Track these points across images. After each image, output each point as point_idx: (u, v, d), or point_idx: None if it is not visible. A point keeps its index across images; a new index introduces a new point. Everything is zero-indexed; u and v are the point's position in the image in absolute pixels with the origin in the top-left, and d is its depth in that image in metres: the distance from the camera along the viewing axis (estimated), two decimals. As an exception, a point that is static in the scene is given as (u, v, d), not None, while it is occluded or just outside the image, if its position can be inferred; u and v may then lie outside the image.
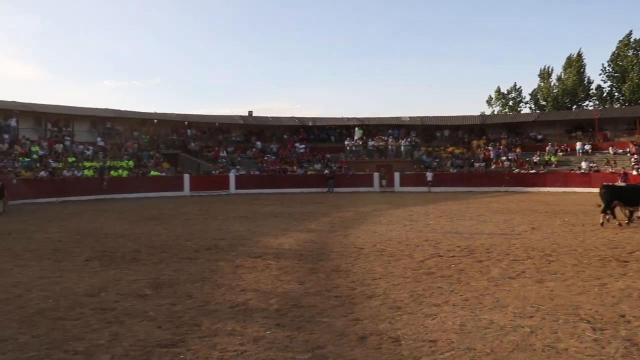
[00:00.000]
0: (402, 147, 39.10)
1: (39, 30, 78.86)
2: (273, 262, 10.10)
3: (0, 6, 75.38)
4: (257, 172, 36.13)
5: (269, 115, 43.70)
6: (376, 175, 35.84)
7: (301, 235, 13.82)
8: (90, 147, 34.85)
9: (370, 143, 39.32)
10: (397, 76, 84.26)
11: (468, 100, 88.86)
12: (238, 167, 36.28)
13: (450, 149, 39.34)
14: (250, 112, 42.84)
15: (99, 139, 36.10)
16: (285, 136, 42.11)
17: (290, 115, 43.52)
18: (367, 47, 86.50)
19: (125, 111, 38.60)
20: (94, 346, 5.52)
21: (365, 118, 42.49)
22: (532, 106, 51.74)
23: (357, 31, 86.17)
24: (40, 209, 22.26)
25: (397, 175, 35.67)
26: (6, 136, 31.85)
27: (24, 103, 34.28)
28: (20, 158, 30.08)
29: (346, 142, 39.93)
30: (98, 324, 6.27)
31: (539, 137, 39.38)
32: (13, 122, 32.81)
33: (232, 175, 34.51)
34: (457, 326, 6.06)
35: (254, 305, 7.00)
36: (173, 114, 40.39)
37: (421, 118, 41.94)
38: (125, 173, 32.23)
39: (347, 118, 42.67)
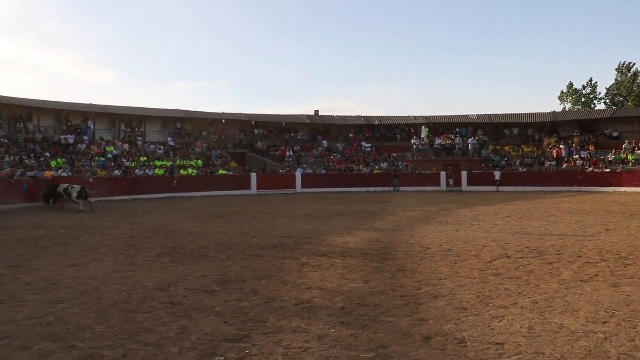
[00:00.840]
0: (469, 145, 38.43)
1: (114, 36, 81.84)
2: (339, 260, 10.13)
3: (78, 15, 78.63)
4: (323, 171, 36.27)
5: (335, 115, 43.88)
6: (443, 174, 35.36)
7: (367, 234, 13.80)
8: (162, 147, 35.93)
9: (437, 142, 38.84)
10: (465, 74, 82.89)
11: (538, 97, 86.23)
12: (304, 166, 36.55)
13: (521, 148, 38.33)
14: (316, 112, 43.10)
15: (169, 139, 37.18)
16: (351, 135, 42.11)
17: (356, 115, 43.48)
18: (434, 45, 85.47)
19: (195, 112, 39.56)
20: (163, 339, 5.69)
21: (432, 116, 41.90)
22: (608, 102, 49.78)
23: (424, 29, 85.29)
24: (115, 207, 23.09)
25: (464, 174, 35.08)
26: (85, 138, 33.31)
27: (100, 105, 35.85)
28: (97, 158, 31.35)
29: (413, 141, 39.58)
30: (168, 317, 6.46)
31: (615, 134, 37.66)
32: (91, 125, 34.26)
33: (298, 174, 34.79)
34: (526, 329, 5.90)
35: (319, 303, 7.04)
36: (241, 114, 41.06)
37: (489, 116, 41.03)
38: (194, 172, 33.02)
39: (414, 117, 42.22)
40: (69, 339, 5.69)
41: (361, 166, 37.04)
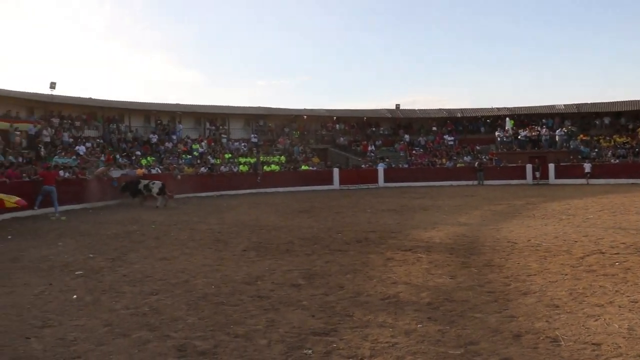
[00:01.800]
0: (556, 136, 37.02)
1: (197, 38, 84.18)
2: (424, 255, 10.03)
3: (164, 18, 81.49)
4: (405, 165, 36.00)
5: (416, 108, 43.38)
6: (529, 166, 34.25)
7: (452, 229, 13.58)
8: (245, 144, 36.72)
9: (522, 133, 37.66)
10: (550, 62, 79.78)
11: (632, 84, 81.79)
12: (386, 160, 36.38)
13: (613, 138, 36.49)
14: (397, 105, 42.84)
15: (252, 135, 37.91)
16: (433, 128, 41.53)
17: (438, 107, 42.82)
18: (516, 34, 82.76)
19: (277, 108, 40.14)
20: (252, 331, 5.81)
21: (517, 107, 40.56)
22: None
23: (505, 17, 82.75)
24: (201, 202, 23.77)
25: (551, 166, 33.80)
26: (174, 137, 34.59)
27: (185, 105, 37.11)
28: (183, 155, 32.45)
29: (497, 133, 38.57)
30: (256, 310, 6.60)
31: None
32: (179, 125, 35.53)
33: (380, 169, 34.67)
34: (625, 330, 5.58)
35: (405, 298, 7.00)
36: (322, 109, 41.35)
37: (577, 105, 39.30)
38: (277, 168, 33.54)
39: (497, 108, 41.08)
40: (164, 329, 5.92)
41: (444, 160, 36.52)
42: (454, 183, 33.63)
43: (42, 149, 26.51)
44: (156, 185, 21.78)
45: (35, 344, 5.54)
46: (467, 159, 36.56)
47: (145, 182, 22.39)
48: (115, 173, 25.37)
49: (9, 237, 13.58)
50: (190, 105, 37.38)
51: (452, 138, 39.89)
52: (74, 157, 26.91)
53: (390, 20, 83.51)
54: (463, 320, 6.00)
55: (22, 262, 10.14)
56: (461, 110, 42.22)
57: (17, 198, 14.98)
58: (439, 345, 5.26)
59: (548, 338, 5.39)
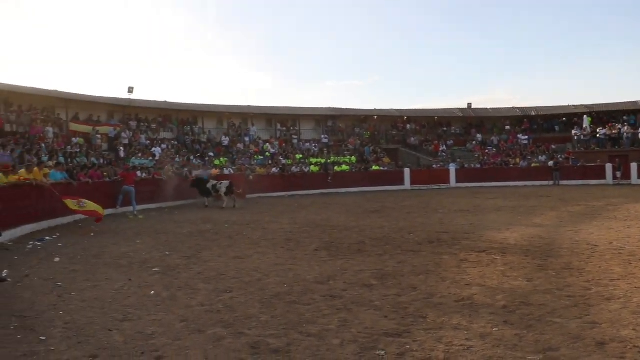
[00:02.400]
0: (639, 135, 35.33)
1: (268, 41, 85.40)
2: (498, 257, 9.76)
3: (236, 23, 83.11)
4: (477, 165, 35.30)
5: (488, 107, 42.43)
6: (609, 166, 32.85)
7: (527, 230, 13.17)
8: (316, 144, 36.95)
9: (601, 131, 36.10)
10: (631, 55, 76.30)
11: None
12: (458, 160, 35.78)
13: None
14: (469, 105, 41.99)
15: (323, 136, 38.10)
16: (506, 127, 40.51)
17: (510, 106, 41.68)
18: (593, 25, 79.61)
19: (347, 109, 40.21)
20: (325, 330, 5.80)
21: (595, 104, 38.92)
22: None
23: (580, 10, 79.72)
24: (273, 202, 24.05)
25: (634, 166, 32.26)
26: (247, 139, 35.24)
27: (257, 106, 37.74)
28: (255, 156, 32.98)
29: (573, 132, 37.14)
30: (328, 309, 6.59)
31: None
32: (252, 128, 36.15)
33: (452, 169, 34.13)
34: None
35: (480, 301, 6.82)
36: (392, 109, 41.12)
37: (664, 101, 37.41)
38: (348, 168, 33.56)
39: (574, 105, 39.56)
40: (238, 326, 6.00)
41: (517, 159, 35.55)
42: (528, 183, 32.70)
43: (121, 151, 27.53)
44: (223, 185, 22.06)
45: (116, 336, 5.74)
46: (542, 158, 35.45)
47: (213, 182, 22.73)
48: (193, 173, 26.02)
49: (92, 234, 14.16)
50: (261, 107, 38.03)
51: (526, 137, 38.76)
52: (150, 158, 27.82)
53: (461, 18, 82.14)
54: (541, 325, 5.78)
55: (103, 259, 10.55)
56: (535, 108, 40.93)
57: (95, 209, 15.42)
58: (516, 350, 5.09)
59: (636, 347, 5.07)
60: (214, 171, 26.71)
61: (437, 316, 6.20)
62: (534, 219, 15.54)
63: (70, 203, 14.93)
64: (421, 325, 5.90)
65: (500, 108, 42.09)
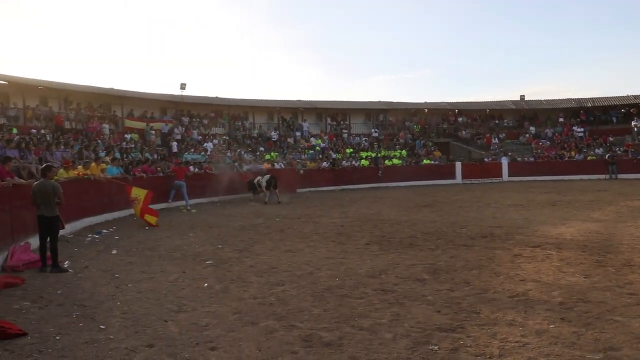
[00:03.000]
0: None
1: (317, 36, 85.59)
2: (554, 252, 9.53)
3: (286, 19, 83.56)
4: (531, 159, 34.55)
5: (542, 99, 41.35)
6: (672, 159, 31.62)
7: (584, 225, 12.81)
8: (366, 138, 36.84)
9: (663, 122, 34.80)
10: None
11: None
12: (510, 153, 35.09)
13: None
14: (522, 96, 41.05)
15: (373, 130, 37.93)
16: (561, 120, 39.40)
17: (565, 97, 40.51)
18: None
19: (397, 102, 39.93)
20: (377, 324, 5.79)
21: (656, 94, 37.50)
22: None
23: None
24: (324, 196, 24.13)
25: (698, 158, 30.98)
26: (298, 134, 35.45)
27: (307, 101, 37.84)
28: (306, 151, 33.11)
29: (633, 123, 35.77)
30: (380, 303, 6.57)
31: None
32: (304, 124, 36.32)
33: (504, 162, 33.48)
34: None
35: (535, 297, 6.67)
36: (443, 102, 40.64)
37: None
38: (398, 162, 33.35)
39: (633, 96, 38.11)
40: (290, 319, 6.05)
41: (573, 152, 34.58)
42: (584, 177, 31.69)
43: (174, 146, 28.06)
44: (264, 180, 21.86)
45: (172, 327, 5.88)
46: (599, 151, 34.37)
47: (258, 177, 22.58)
48: (243, 167, 26.34)
49: (146, 227, 14.50)
50: (311, 101, 38.12)
51: (582, 129, 37.61)
52: (203, 153, 28.26)
53: (512, 9, 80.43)
54: (601, 323, 5.60)
55: (158, 251, 10.80)
56: (591, 99, 39.65)
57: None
58: (574, 348, 4.95)
59: None
60: (265, 165, 26.89)
61: (491, 312, 6.11)
62: (591, 214, 15.10)
63: (137, 191, 15.28)
64: (475, 320, 5.82)
65: (555, 99, 40.92)
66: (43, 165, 10.30)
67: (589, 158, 33.59)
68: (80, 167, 15.48)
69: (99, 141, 23.59)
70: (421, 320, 5.86)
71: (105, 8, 75.91)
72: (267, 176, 22.17)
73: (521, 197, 20.83)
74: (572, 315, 5.90)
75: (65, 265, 9.33)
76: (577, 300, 6.44)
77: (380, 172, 31.33)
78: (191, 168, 23.14)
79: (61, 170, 14.32)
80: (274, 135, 34.62)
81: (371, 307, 6.42)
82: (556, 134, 37.75)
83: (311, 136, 35.76)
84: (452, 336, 5.36)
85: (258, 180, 22.21)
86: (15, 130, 20.71)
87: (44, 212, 9.12)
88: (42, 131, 23.03)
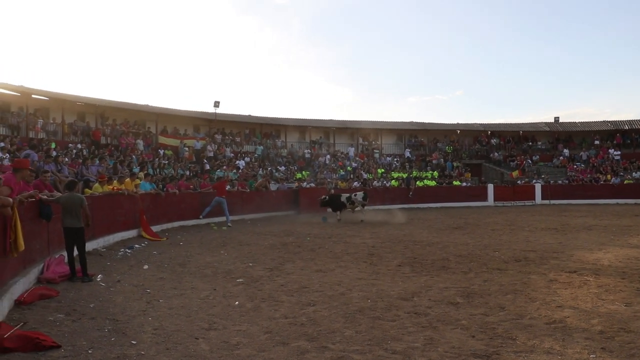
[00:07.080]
0: None
1: (350, 56, 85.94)
2: (591, 278, 9.29)
3: (320, 39, 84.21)
4: (565, 182, 34.00)
5: (577, 121, 40.70)
6: None
7: (622, 251, 12.49)
8: (397, 159, 36.72)
9: None
10: None
11: None
12: (543, 176, 34.59)
13: None
14: (556, 118, 40.53)
15: (406, 150, 37.82)
16: (596, 142, 38.74)
17: (601, 120, 39.82)
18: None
19: (429, 123, 39.76)
20: (410, 348, 5.69)
21: (697, 117, 36.61)
22: None
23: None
24: (354, 216, 23.97)
25: None
26: (327, 155, 35.57)
27: (338, 120, 38.01)
28: (338, 170, 33.11)
29: (673, 147, 35.09)
30: (413, 327, 6.47)
31: None
32: (351, 149, 36.42)
33: (538, 185, 33.01)
34: None
35: (573, 324, 6.49)
36: (476, 123, 40.34)
37: None
38: (432, 183, 33.12)
39: (674, 119, 37.32)
40: (321, 340, 5.99)
41: (609, 176, 33.93)
42: (620, 201, 31.09)
43: (206, 163, 28.31)
44: (359, 196, 22.02)
45: (202, 345, 5.87)
46: (637, 175, 33.67)
47: (346, 195, 22.70)
48: (273, 186, 26.47)
49: (180, 243, 14.61)
50: (343, 120, 38.22)
51: (619, 152, 36.92)
52: (234, 170, 28.44)
53: (547, 32, 79.76)
54: (644, 354, 5.41)
55: (188, 268, 10.85)
56: (628, 122, 38.95)
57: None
58: (616, 378, 4.80)
59: None
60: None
61: (527, 338, 5.96)
62: (630, 239, 14.73)
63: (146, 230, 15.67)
64: (511, 347, 5.69)
65: (590, 122, 40.28)
66: (68, 180, 10.72)
67: (626, 182, 32.92)
68: (115, 182, 15.71)
69: (133, 156, 23.93)
70: (455, 345, 5.75)
71: (143, 28, 77.50)
72: (361, 192, 22.44)
73: (555, 221, 20.46)
74: (613, 345, 5.70)
75: (98, 279, 9.46)
76: (618, 330, 6.24)
77: (410, 193, 31.14)
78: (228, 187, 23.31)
79: (96, 185, 14.55)
80: (307, 153, 34.75)
81: (404, 330, 6.33)
82: (592, 157, 37.11)
83: (342, 155, 35.81)
84: (487, 363, 5.24)
85: (349, 198, 22.24)
86: (54, 145, 21.12)
87: (70, 224, 9.44)
88: (79, 146, 23.47)
